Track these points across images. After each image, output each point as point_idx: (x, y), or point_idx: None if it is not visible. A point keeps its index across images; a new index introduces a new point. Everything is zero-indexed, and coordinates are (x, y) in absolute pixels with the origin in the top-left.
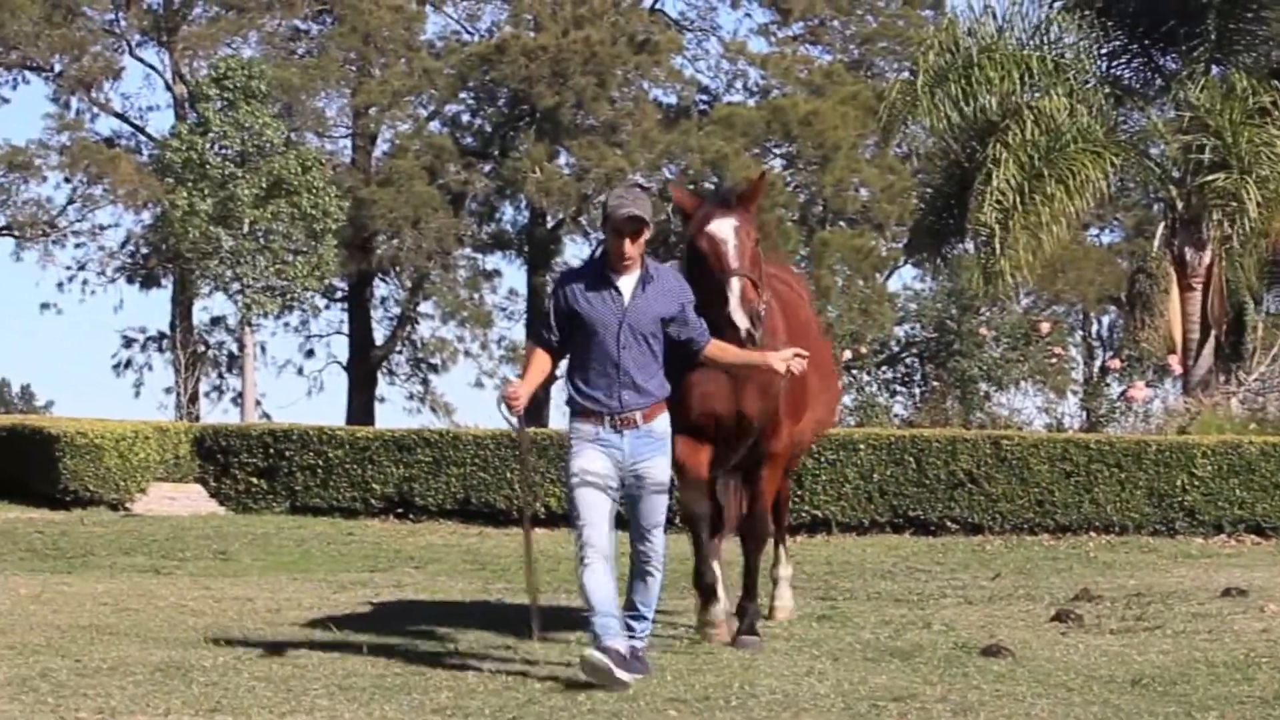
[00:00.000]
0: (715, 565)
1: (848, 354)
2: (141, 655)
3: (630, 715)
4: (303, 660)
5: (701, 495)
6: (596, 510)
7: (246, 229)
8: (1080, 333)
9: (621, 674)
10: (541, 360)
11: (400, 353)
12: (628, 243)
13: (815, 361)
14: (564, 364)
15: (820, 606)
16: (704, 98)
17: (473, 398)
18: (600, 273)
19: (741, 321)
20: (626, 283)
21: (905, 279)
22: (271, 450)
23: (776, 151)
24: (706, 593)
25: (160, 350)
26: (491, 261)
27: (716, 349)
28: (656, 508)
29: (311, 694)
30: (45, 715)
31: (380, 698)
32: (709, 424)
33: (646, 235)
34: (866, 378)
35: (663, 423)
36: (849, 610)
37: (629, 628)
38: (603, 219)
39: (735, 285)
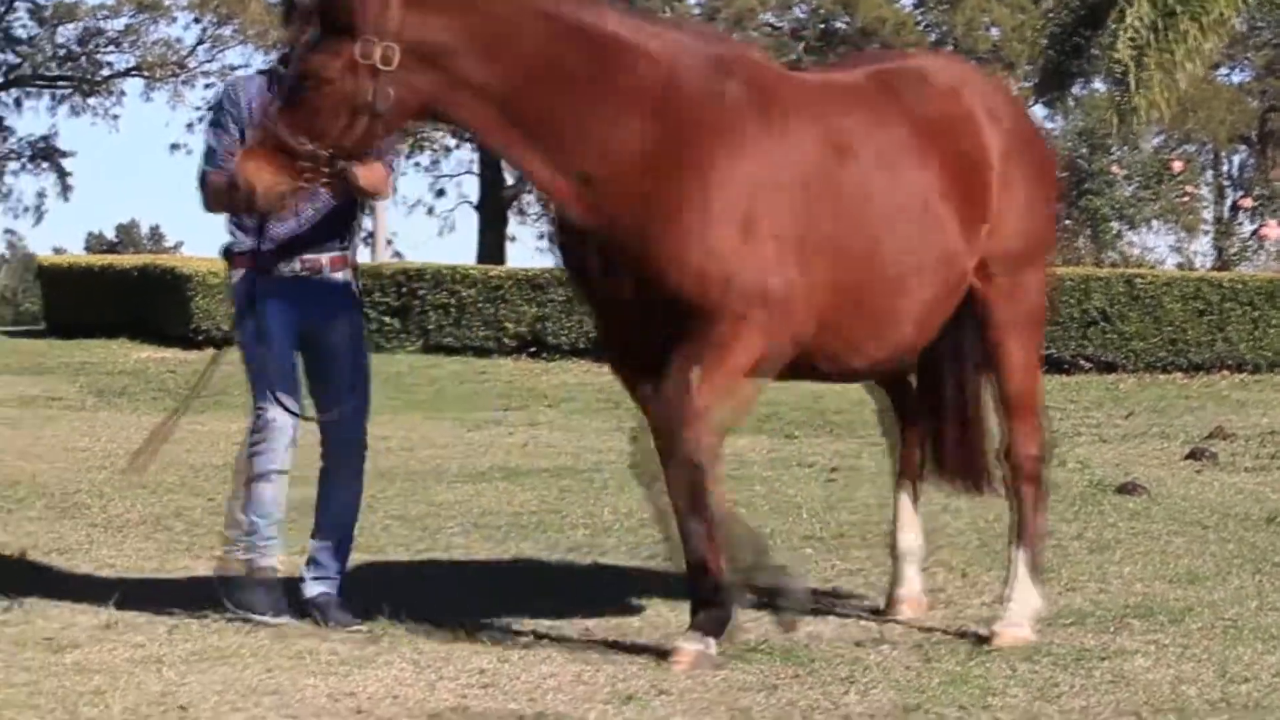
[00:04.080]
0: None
1: None
2: None
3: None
4: (438, 498)
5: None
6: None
7: None
8: (1211, 172)
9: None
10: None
11: (531, 191)
12: None
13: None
14: None
15: None
16: None
17: None
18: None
19: None
20: None
21: (1036, 118)
22: (404, 289)
23: None
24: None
25: None
26: None
27: None
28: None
29: (446, 532)
30: (179, 553)
31: (515, 536)
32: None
33: None
34: None
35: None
36: None
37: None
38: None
39: None
